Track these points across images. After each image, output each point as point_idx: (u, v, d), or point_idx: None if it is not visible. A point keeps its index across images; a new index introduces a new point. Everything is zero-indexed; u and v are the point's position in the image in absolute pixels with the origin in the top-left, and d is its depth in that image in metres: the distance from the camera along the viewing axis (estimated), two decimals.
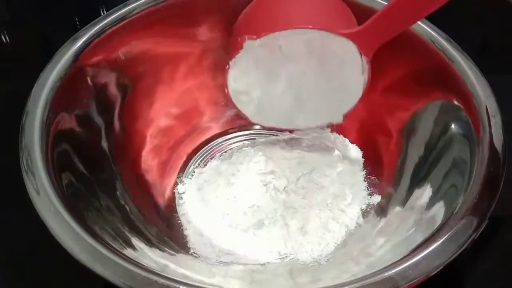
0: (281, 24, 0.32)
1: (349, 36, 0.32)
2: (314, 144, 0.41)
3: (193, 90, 0.44)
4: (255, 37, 0.32)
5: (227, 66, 0.34)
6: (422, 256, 0.27)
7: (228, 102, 0.37)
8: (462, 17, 0.54)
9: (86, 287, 0.34)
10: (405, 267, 0.26)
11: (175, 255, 0.34)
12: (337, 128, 0.44)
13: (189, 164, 0.42)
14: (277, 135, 0.44)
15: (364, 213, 0.38)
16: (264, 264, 0.35)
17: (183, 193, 0.40)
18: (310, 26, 0.31)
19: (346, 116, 0.37)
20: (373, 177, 0.40)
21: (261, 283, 0.33)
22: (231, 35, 0.36)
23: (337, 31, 0.32)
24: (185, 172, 0.41)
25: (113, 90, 0.39)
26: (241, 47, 0.32)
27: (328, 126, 0.40)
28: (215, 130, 0.44)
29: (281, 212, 0.36)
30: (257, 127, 0.45)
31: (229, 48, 0.36)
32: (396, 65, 0.39)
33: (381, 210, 0.38)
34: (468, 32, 0.47)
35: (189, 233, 0.37)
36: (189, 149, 0.43)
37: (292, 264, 0.35)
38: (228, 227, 0.36)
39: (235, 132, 0.45)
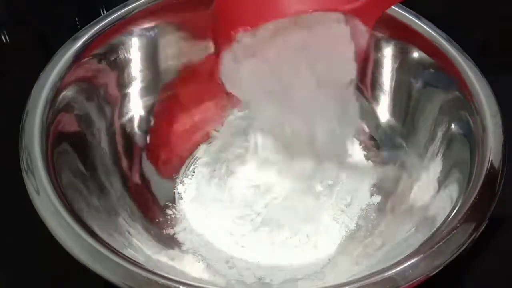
0: (278, 10, 0.29)
1: (353, 12, 0.29)
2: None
3: (193, 90, 0.44)
4: (249, 28, 0.29)
5: (219, 57, 0.31)
6: (422, 256, 0.27)
7: (228, 102, 0.37)
8: (462, 17, 0.54)
9: (86, 287, 0.34)
10: (405, 267, 0.26)
11: (174, 255, 0.34)
12: None
13: (189, 164, 0.42)
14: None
15: (364, 213, 0.38)
16: (263, 264, 0.35)
17: (183, 193, 0.39)
18: (311, 10, 0.29)
19: None
20: (373, 177, 0.40)
21: (261, 283, 0.33)
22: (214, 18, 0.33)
23: (341, 8, 0.29)
24: (185, 172, 0.41)
25: (113, 90, 0.39)
26: (235, 39, 0.30)
27: None
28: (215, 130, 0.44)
29: (281, 213, 0.36)
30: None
31: (215, 31, 0.33)
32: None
33: (382, 210, 0.38)
34: (468, 32, 0.47)
35: (189, 233, 0.37)
36: (189, 149, 0.43)
37: (292, 264, 0.35)
38: (228, 228, 0.36)
39: (235, 132, 0.44)
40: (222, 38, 0.31)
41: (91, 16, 0.40)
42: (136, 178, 0.39)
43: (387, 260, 0.28)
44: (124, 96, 0.40)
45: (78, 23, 0.54)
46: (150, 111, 0.42)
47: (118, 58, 0.39)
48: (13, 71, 0.50)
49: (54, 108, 0.33)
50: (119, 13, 0.39)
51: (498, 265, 0.37)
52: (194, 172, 0.41)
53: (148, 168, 0.40)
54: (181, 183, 0.40)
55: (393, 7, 0.41)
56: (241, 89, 0.34)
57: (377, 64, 0.42)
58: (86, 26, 0.38)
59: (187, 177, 0.41)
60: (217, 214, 0.37)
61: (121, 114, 0.40)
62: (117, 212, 0.34)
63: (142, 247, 0.33)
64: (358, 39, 0.31)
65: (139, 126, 0.41)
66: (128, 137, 0.40)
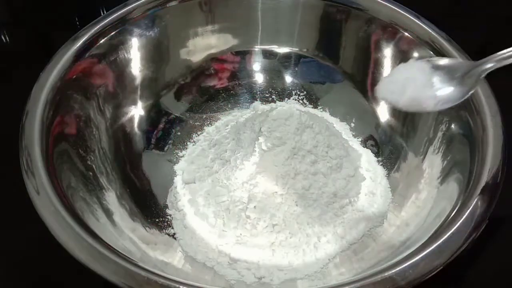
0: None
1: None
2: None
3: (193, 90, 0.44)
4: None
5: None
6: (422, 256, 0.27)
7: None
8: (462, 17, 0.54)
9: (86, 287, 0.34)
10: (405, 267, 0.26)
11: (173, 254, 0.34)
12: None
13: (189, 164, 0.42)
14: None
15: (365, 214, 0.38)
16: (263, 264, 0.35)
17: (182, 193, 0.39)
18: None
19: None
20: (373, 177, 0.40)
21: (261, 283, 0.33)
22: None
23: None
24: (184, 171, 0.41)
25: (113, 90, 0.39)
26: None
27: None
28: (213, 131, 0.44)
29: (281, 214, 0.36)
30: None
31: None
32: None
33: (382, 212, 0.38)
34: (468, 32, 0.47)
35: (188, 232, 0.37)
36: (188, 149, 0.43)
37: (292, 264, 0.35)
38: (228, 228, 0.36)
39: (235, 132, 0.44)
40: None
41: (91, 16, 0.40)
42: (136, 178, 0.39)
43: (388, 260, 0.28)
44: (124, 96, 0.40)
45: (78, 23, 0.54)
46: (150, 111, 0.42)
47: (118, 58, 0.39)
48: (13, 71, 0.50)
49: (54, 108, 0.33)
50: (119, 13, 0.39)
51: (498, 265, 0.37)
52: (193, 171, 0.41)
53: (148, 168, 0.40)
54: (180, 182, 0.40)
55: (393, 7, 0.41)
56: None
57: (377, 64, 0.42)
58: (86, 26, 0.38)
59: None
60: (217, 214, 0.37)
61: (121, 114, 0.40)
62: (117, 212, 0.34)
63: (141, 247, 0.33)
64: None
65: (139, 126, 0.41)
66: (128, 137, 0.40)
